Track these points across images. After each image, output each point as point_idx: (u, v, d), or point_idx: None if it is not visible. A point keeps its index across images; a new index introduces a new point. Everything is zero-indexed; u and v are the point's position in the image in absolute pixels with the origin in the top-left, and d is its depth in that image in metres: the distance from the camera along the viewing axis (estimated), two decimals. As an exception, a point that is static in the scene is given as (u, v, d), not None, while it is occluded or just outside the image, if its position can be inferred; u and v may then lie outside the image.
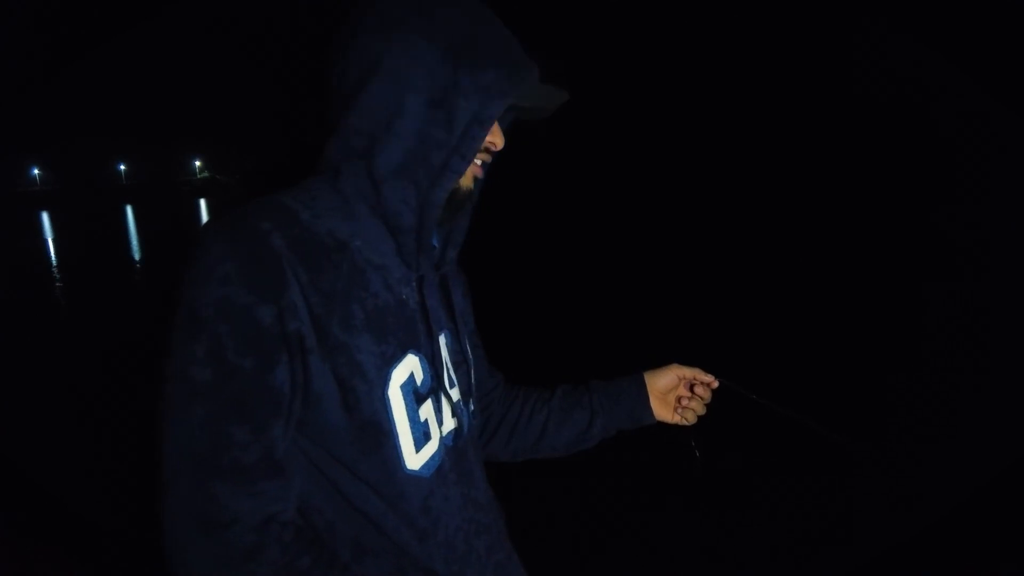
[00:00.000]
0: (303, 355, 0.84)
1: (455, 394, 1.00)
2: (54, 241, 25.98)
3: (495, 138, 0.95)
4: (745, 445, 3.48)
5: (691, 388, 1.23)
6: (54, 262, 18.51)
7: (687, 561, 2.98)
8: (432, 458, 0.93)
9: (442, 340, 0.99)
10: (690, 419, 1.22)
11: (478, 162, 0.96)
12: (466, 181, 0.95)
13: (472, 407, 1.05)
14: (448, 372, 0.99)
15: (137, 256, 18.55)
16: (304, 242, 0.85)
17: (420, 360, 0.93)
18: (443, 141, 0.88)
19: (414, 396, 0.92)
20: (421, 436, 0.92)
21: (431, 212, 0.90)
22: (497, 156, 0.99)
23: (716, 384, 1.21)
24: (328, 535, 0.90)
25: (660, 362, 1.25)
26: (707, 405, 1.23)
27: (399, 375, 0.90)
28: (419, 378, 0.93)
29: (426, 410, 0.93)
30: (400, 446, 0.90)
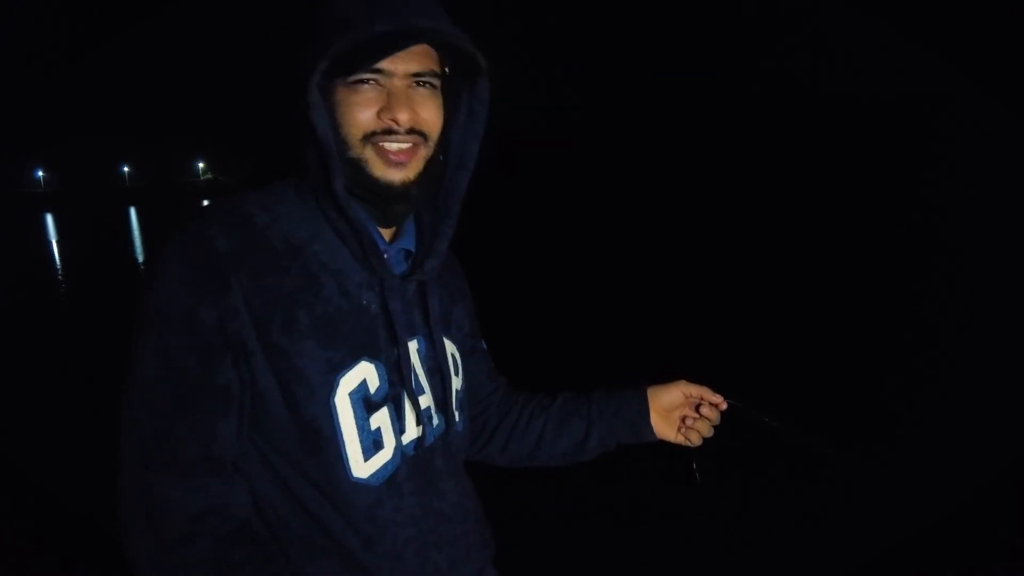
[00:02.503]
0: (246, 357, 0.85)
1: (424, 401, 0.97)
2: (58, 242, 26.01)
3: (396, 112, 0.88)
4: (751, 466, 3.37)
5: (697, 408, 1.17)
6: (58, 263, 18.55)
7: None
8: (384, 467, 0.92)
9: (413, 346, 0.97)
10: (694, 440, 1.16)
11: (392, 147, 0.90)
12: (379, 171, 0.90)
13: (456, 415, 1.03)
14: (417, 379, 0.97)
15: (140, 257, 18.56)
16: (252, 246, 0.87)
17: (376, 367, 0.92)
18: (310, 140, 0.88)
19: (364, 404, 0.90)
20: (371, 445, 0.91)
21: (352, 213, 0.89)
22: (416, 133, 0.91)
23: (725, 405, 1.15)
24: (281, 532, 0.90)
25: (669, 375, 1.19)
26: (714, 427, 1.16)
27: (348, 382, 0.89)
28: (373, 385, 0.91)
29: (380, 418, 0.92)
30: (346, 454, 0.89)
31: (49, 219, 45.07)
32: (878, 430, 4.05)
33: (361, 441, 0.90)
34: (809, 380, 4.93)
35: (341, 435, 0.89)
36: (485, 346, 1.23)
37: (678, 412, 1.18)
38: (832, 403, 4.39)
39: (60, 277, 15.42)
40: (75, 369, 6.52)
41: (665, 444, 1.20)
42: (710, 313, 7.48)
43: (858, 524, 3.13)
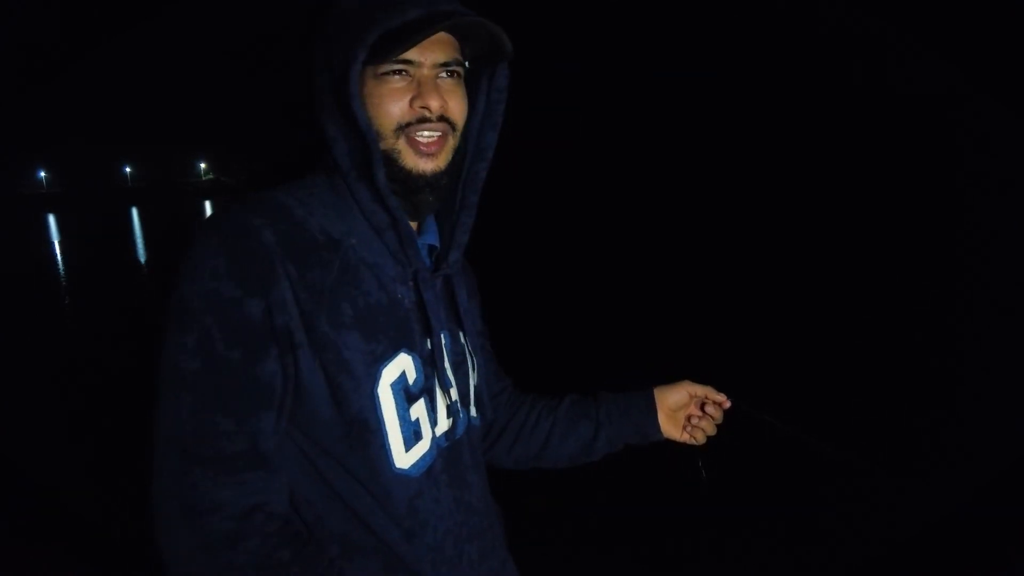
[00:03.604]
0: (292, 349, 0.85)
1: (453, 394, 0.98)
2: (60, 243, 26.06)
3: (428, 100, 0.89)
4: (754, 465, 3.37)
5: (702, 407, 1.19)
6: (60, 263, 18.58)
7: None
8: (423, 458, 0.93)
9: (442, 340, 0.98)
10: (699, 439, 1.18)
11: (424, 137, 0.91)
12: (411, 162, 0.91)
13: (475, 410, 1.04)
14: (446, 373, 0.98)
15: (143, 258, 18.59)
16: (296, 238, 0.86)
17: (413, 359, 0.93)
18: (346, 132, 0.90)
19: (405, 395, 0.91)
20: (411, 435, 0.91)
21: (390, 203, 0.90)
22: (444, 120, 0.92)
23: (728, 404, 1.17)
24: (318, 529, 0.90)
25: (674, 375, 1.22)
26: (718, 426, 1.19)
27: (390, 373, 0.90)
28: (411, 377, 0.92)
29: (418, 409, 0.93)
30: (389, 444, 0.89)
31: (51, 220, 45.19)
32: (881, 430, 4.04)
33: (403, 431, 0.90)
34: (812, 380, 4.92)
35: (384, 426, 0.89)
36: (490, 347, 1.24)
37: (683, 412, 1.20)
38: (834, 403, 4.38)
39: (62, 278, 15.44)
40: (76, 369, 6.53)
41: (670, 443, 1.22)
42: (714, 313, 7.47)
43: (860, 523, 3.12)
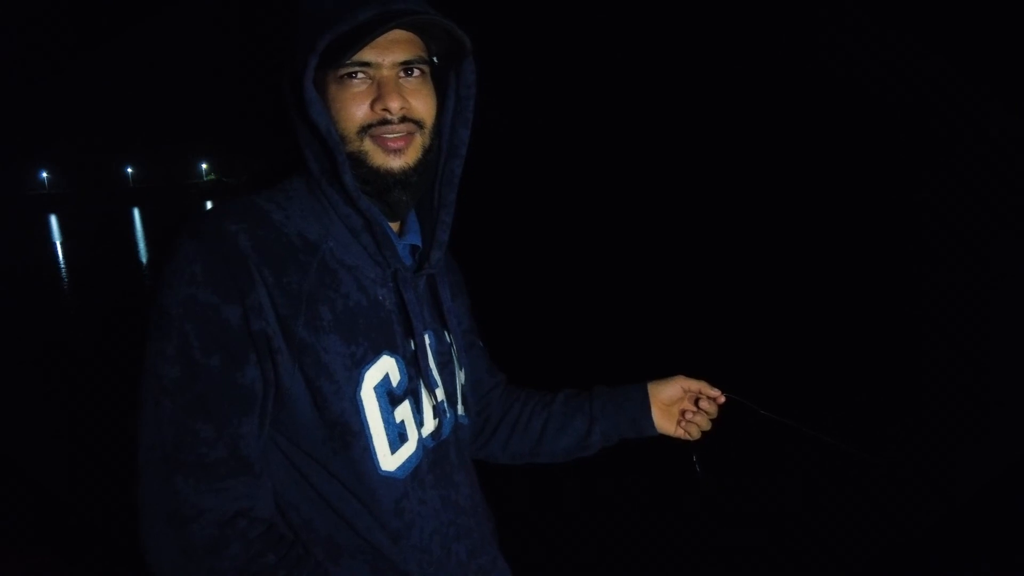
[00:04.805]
0: (271, 355, 0.84)
1: (439, 394, 0.98)
2: (62, 244, 26.09)
3: (388, 102, 0.89)
4: (751, 460, 3.37)
5: (696, 402, 1.19)
6: (62, 264, 18.61)
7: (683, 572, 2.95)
8: (409, 460, 0.92)
9: (426, 340, 0.97)
10: (694, 434, 1.18)
11: (389, 135, 0.90)
12: (379, 160, 0.91)
13: (462, 409, 1.04)
14: (431, 373, 0.97)
15: (144, 259, 18.60)
16: (272, 243, 0.86)
17: (396, 361, 0.92)
18: (312, 137, 0.89)
19: (389, 397, 0.91)
20: (397, 437, 0.91)
21: (361, 205, 0.90)
22: (404, 119, 0.91)
23: (723, 399, 1.17)
24: (305, 532, 0.90)
25: (668, 370, 1.21)
26: (713, 420, 1.18)
27: (372, 376, 0.90)
28: (395, 379, 0.92)
29: (403, 411, 0.92)
30: (374, 447, 0.89)
31: (53, 220, 45.23)
32: (878, 426, 4.04)
33: (388, 434, 0.90)
34: (807, 374, 4.92)
35: (368, 429, 0.89)
36: (482, 343, 1.23)
37: (677, 406, 1.20)
38: (830, 397, 4.38)
39: (64, 278, 15.45)
40: (77, 370, 6.54)
41: (664, 437, 1.21)
42: (709, 309, 7.47)
43: (856, 518, 3.12)
